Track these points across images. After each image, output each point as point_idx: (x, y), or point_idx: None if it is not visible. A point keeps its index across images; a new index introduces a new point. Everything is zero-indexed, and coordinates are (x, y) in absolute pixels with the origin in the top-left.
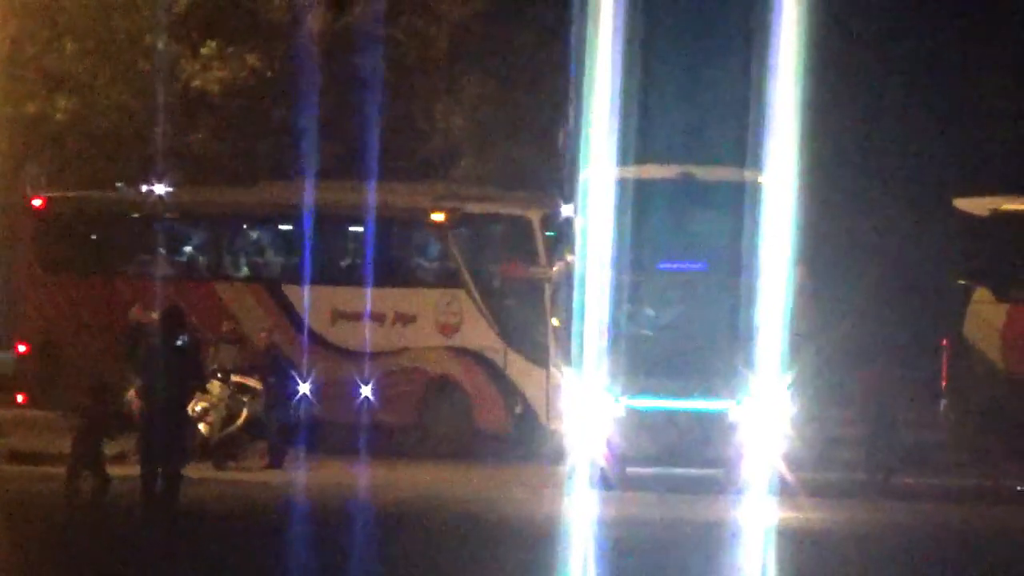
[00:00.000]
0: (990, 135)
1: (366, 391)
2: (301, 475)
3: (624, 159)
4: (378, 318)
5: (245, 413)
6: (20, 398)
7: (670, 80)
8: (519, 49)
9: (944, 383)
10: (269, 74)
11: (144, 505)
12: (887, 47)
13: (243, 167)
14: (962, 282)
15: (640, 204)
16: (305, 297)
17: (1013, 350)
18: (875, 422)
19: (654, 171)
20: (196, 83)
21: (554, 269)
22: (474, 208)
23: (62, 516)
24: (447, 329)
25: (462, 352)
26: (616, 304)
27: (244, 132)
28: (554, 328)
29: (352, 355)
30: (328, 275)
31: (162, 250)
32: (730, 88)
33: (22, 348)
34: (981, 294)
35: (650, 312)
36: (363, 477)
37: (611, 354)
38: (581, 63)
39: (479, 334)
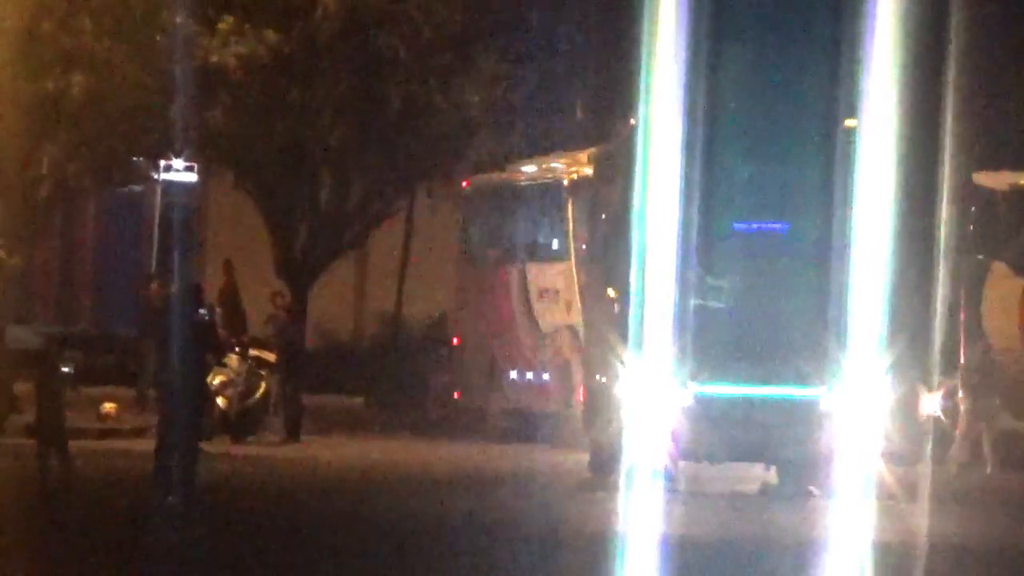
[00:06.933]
0: (1010, 110)
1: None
2: (320, 450)
3: (691, 111)
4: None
5: (263, 387)
6: (456, 395)
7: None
8: (534, 24)
9: (962, 359)
10: (286, 51)
11: (159, 479)
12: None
13: (261, 145)
14: (980, 257)
15: (710, 151)
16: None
17: None
18: None
19: (724, 109)
20: (214, 59)
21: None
22: None
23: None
24: None
25: None
26: (683, 272)
27: (262, 110)
28: (610, 300)
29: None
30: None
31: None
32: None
33: (455, 341)
34: (999, 269)
35: (723, 282)
36: (386, 453)
37: (677, 331)
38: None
39: None
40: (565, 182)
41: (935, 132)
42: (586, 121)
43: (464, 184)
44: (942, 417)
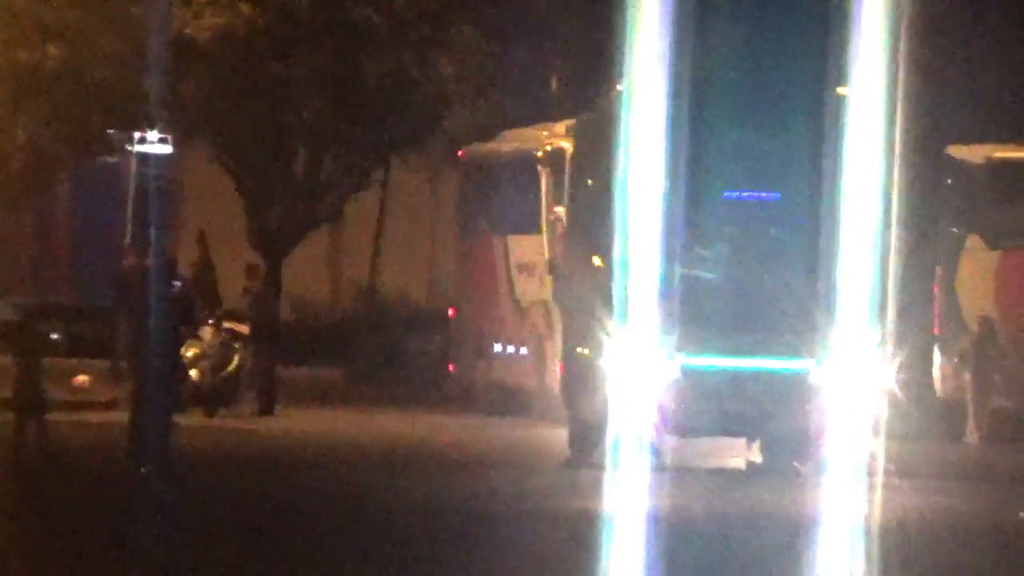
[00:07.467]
0: (985, 82)
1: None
2: (295, 422)
3: (677, 78)
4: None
5: (237, 359)
6: (450, 367)
7: None
8: None
9: (936, 331)
10: (261, 22)
11: (132, 451)
12: None
13: (236, 117)
14: (955, 230)
15: (698, 118)
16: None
17: (1005, 297)
18: None
19: (713, 76)
20: (188, 31)
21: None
22: None
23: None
24: None
25: None
26: (669, 242)
27: (237, 81)
28: (592, 271)
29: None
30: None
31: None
32: None
33: (451, 312)
34: (973, 241)
35: (712, 252)
36: (364, 426)
37: (664, 302)
38: None
39: None
40: (539, 153)
41: (926, 103)
42: (563, 93)
43: (460, 154)
44: (896, 391)
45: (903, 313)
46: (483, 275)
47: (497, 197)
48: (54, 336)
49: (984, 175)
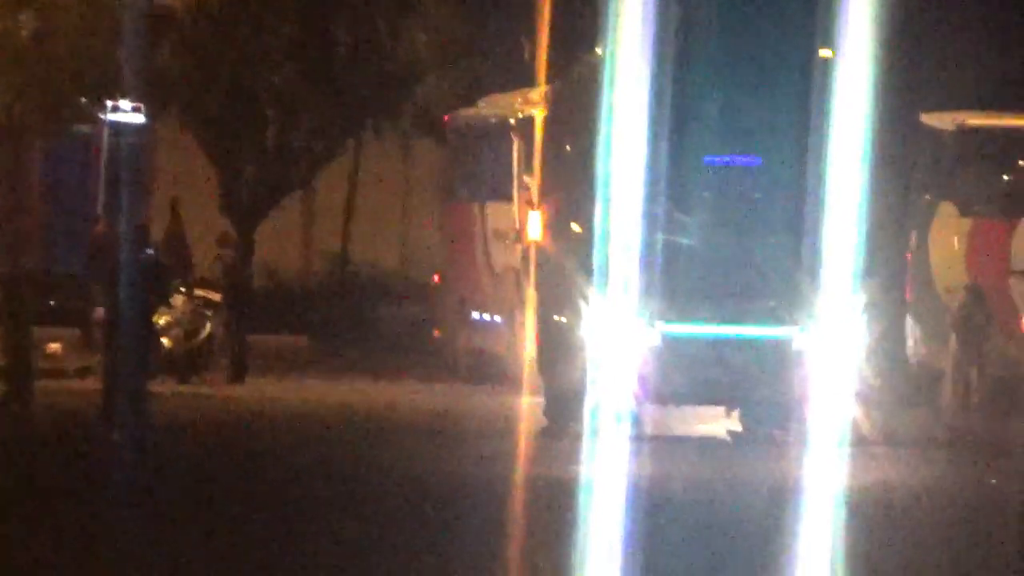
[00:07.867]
0: (960, 50)
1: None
2: (267, 391)
3: (659, 41)
4: None
5: (208, 327)
6: (436, 332)
7: None
8: None
9: (908, 298)
10: None
11: (106, 419)
12: None
13: (208, 85)
14: (927, 197)
15: (680, 81)
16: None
17: (976, 264)
18: None
19: (695, 38)
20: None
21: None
22: None
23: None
24: None
25: None
26: (650, 207)
27: (209, 50)
28: (571, 238)
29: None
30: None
31: None
32: None
33: (435, 279)
34: (946, 209)
35: (693, 217)
36: (337, 394)
37: (644, 269)
38: None
39: None
40: (511, 121)
41: (912, 66)
42: (538, 61)
43: (445, 119)
44: (872, 358)
45: (877, 280)
46: (464, 242)
47: (477, 163)
48: (51, 302)
49: (955, 142)
